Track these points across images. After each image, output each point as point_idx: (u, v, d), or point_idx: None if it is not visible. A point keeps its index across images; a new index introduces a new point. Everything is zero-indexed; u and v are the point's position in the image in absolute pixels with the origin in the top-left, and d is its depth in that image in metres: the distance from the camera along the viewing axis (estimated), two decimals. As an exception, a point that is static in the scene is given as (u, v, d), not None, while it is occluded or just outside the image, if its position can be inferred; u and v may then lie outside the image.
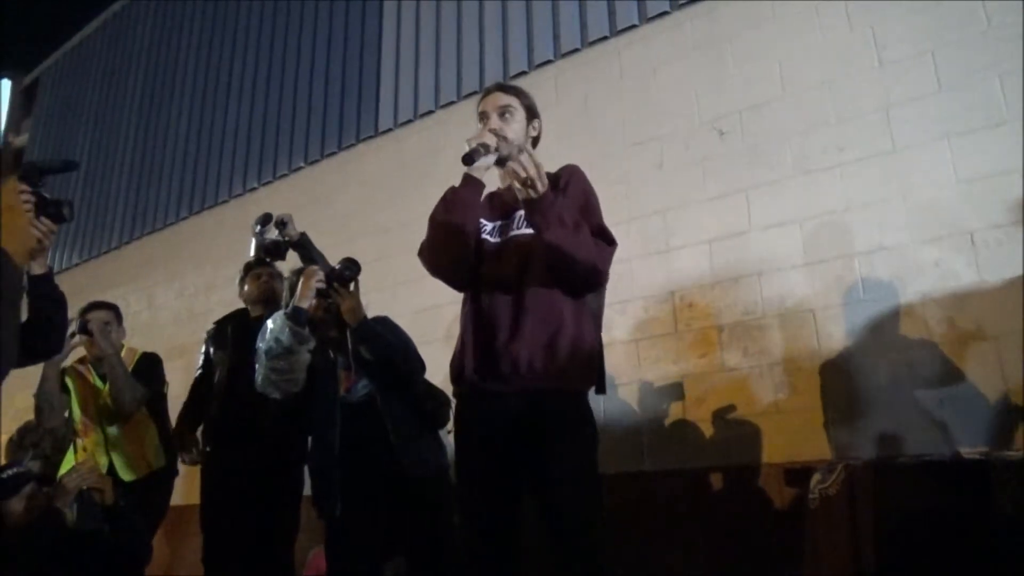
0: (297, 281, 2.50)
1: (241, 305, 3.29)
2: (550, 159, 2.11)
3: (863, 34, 3.10)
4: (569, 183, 1.95)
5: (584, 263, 1.79)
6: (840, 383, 2.86)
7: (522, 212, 1.92)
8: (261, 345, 2.44)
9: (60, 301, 2.07)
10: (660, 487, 3.17)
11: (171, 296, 5.94)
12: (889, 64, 3.01)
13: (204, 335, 3.37)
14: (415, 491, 2.44)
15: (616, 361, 3.29)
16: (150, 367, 3.33)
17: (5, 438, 4.27)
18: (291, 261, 2.85)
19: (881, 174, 2.93)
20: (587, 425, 1.87)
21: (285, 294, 2.62)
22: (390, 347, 2.49)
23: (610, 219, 2.06)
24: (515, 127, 2.00)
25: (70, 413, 3.24)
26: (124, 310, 3.47)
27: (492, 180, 2.10)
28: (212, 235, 5.76)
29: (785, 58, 3.29)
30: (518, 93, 2.07)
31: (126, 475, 3.10)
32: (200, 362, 3.32)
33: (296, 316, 2.41)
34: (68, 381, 3.23)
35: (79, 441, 3.20)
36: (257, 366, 2.47)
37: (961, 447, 2.45)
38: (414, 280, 3.92)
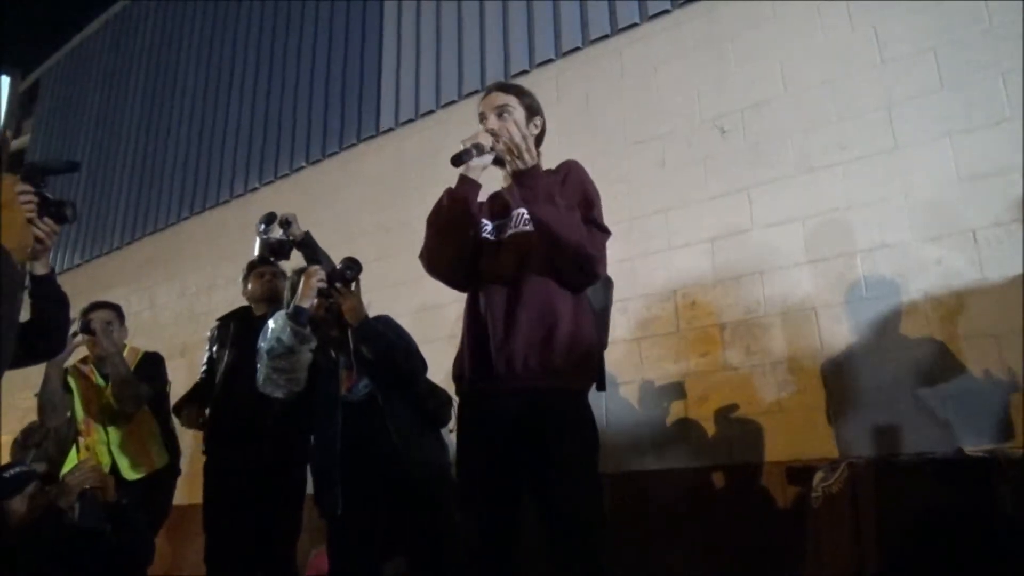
0: (298, 281, 2.50)
1: (244, 303, 3.29)
2: (551, 158, 2.11)
3: (865, 32, 3.09)
4: (568, 177, 1.96)
5: (571, 243, 1.79)
6: (842, 381, 2.86)
7: (522, 210, 1.93)
8: (263, 344, 2.44)
9: (62, 301, 2.07)
10: (662, 486, 3.17)
11: (173, 296, 5.94)
12: (891, 62, 3.01)
13: (207, 334, 3.37)
14: (416, 490, 2.44)
15: (618, 360, 3.29)
16: (152, 366, 3.33)
17: (8, 438, 4.28)
18: (295, 260, 2.85)
19: (883, 172, 2.92)
20: (586, 424, 1.87)
21: (286, 294, 2.63)
22: (391, 346, 2.49)
23: (611, 218, 2.06)
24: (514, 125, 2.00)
25: (73, 413, 3.24)
26: (126, 310, 3.47)
27: (495, 181, 2.10)
28: (214, 235, 5.76)
29: (786, 56, 3.28)
30: (517, 91, 2.07)
31: (129, 474, 3.10)
32: (204, 359, 3.32)
33: (297, 316, 2.41)
34: (71, 381, 3.23)
35: (82, 440, 3.21)
36: (259, 365, 2.47)
37: (964, 445, 2.44)
38: (415, 279, 3.92)
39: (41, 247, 1.87)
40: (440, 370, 2.80)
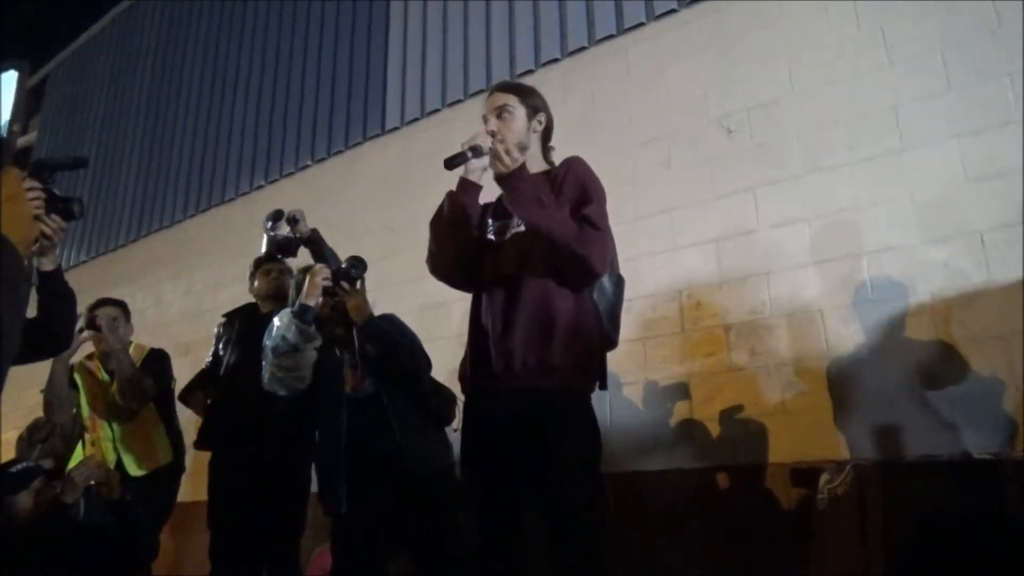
0: (304, 279, 2.51)
1: (250, 300, 3.30)
2: (557, 157, 2.12)
3: (872, 33, 3.08)
4: (567, 174, 1.95)
5: (559, 242, 1.79)
6: (848, 383, 2.85)
7: None
8: (268, 343, 2.45)
9: (69, 297, 2.08)
10: (666, 487, 3.16)
11: (178, 293, 5.96)
12: (898, 63, 3.00)
13: (212, 331, 3.38)
14: (420, 488, 2.44)
15: (622, 360, 3.28)
16: (158, 363, 3.35)
17: (14, 434, 4.29)
18: (302, 257, 2.86)
19: (890, 173, 2.91)
20: (586, 423, 1.86)
21: (292, 292, 2.63)
22: (396, 344, 2.49)
23: (616, 218, 2.06)
24: (514, 125, 2.00)
25: (78, 409, 3.26)
26: (131, 307, 3.49)
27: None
28: (219, 233, 5.77)
29: (794, 57, 3.27)
30: (517, 90, 2.07)
31: (134, 470, 3.11)
32: (210, 352, 3.32)
33: (303, 314, 2.41)
34: (76, 377, 3.25)
35: (87, 436, 3.22)
36: (264, 363, 2.48)
37: (970, 447, 2.43)
38: (420, 277, 3.90)
39: (48, 243, 1.88)
40: (444, 368, 2.81)
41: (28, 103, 8.66)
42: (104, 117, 7.60)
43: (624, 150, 3.67)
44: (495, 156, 1.82)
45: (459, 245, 1.95)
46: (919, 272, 2.77)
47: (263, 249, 2.90)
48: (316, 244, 2.77)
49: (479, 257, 1.98)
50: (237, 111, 6.02)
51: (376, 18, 5.18)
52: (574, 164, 1.99)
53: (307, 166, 5.32)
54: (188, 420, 3.52)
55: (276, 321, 2.48)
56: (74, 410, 3.26)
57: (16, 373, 2.09)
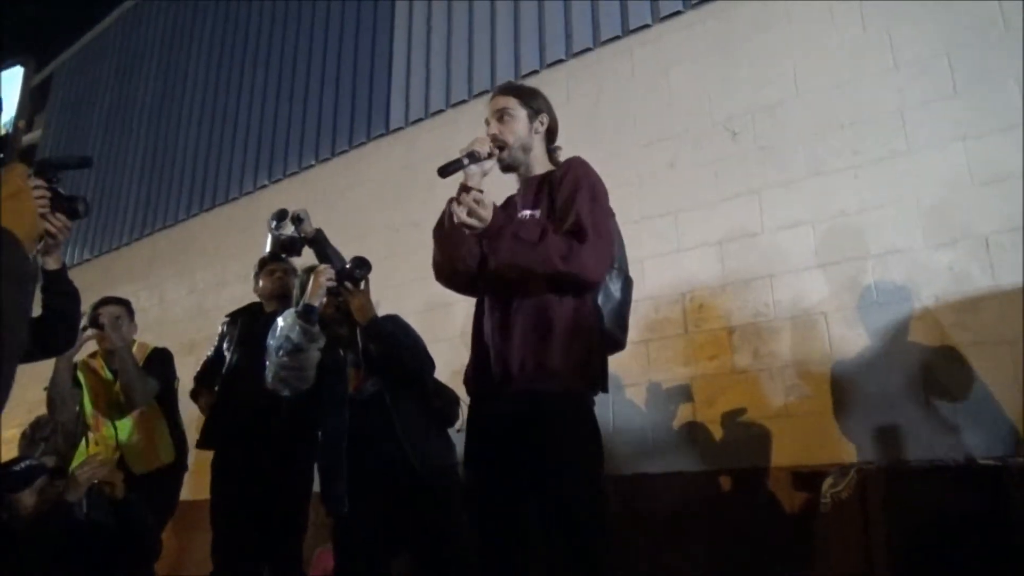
0: (308, 279, 2.51)
1: (255, 300, 3.30)
2: (563, 158, 2.11)
3: (878, 36, 3.08)
4: (564, 177, 1.94)
5: (547, 272, 1.78)
6: (852, 386, 2.84)
7: (526, 213, 1.94)
8: (272, 342, 2.46)
9: (74, 296, 2.09)
10: (668, 489, 3.16)
11: (182, 292, 5.97)
12: (904, 66, 2.99)
13: (217, 330, 3.38)
14: (422, 489, 2.44)
15: (625, 362, 3.28)
16: (161, 362, 3.35)
17: (17, 431, 4.30)
18: (306, 257, 2.86)
19: (895, 176, 2.90)
20: (584, 427, 1.85)
21: (296, 292, 2.63)
22: (400, 345, 2.50)
23: (621, 219, 2.06)
24: (515, 128, 2.00)
25: (82, 407, 3.26)
26: (135, 306, 3.48)
27: (509, 186, 2.10)
28: (223, 232, 5.78)
29: (799, 59, 3.27)
30: (517, 92, 2.07)
31: (136, 469, 3.11)
32: (211, 350, 3.31)
33: (306, 314, 2.42)
34: (80, 375, 3.25)
35: (91, 435, 3.23)
36: (268, 363, 2.48)
37: (975, 452, 2.43)
38: (423, 277, 3.89)
39: (53, 242, 1.88)
40: (447, 369, 2.81)
41: (33, 101, 8.70)
42: (108, 115, 7.61)
43: (628, 151, 3.67)
44: (462, 226, 1.81)
45: (461, 252, 1.95)
46: (924, 276, 2.77)
47: (267, 248, 2.90)
48: (320, 244, 2.77)
49: (483, 261, 1.98)
50: (241, 111, 6.03)
51: (381, 18, 5.18)
52: (572, 166, 1.98)
53: (311, 166, 5.32)
54: (191, 419, 3.53)
55: (280, 321, 2.48)
56: (77, 408, 3.26)
57: (19, 370, 2.09)
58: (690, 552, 3.02)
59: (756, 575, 2.83)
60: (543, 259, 1.76)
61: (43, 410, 3.39)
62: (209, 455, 3.14)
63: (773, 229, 3.16)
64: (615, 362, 2.09)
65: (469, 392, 2.01)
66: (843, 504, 2.15)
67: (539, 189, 1.99)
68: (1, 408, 0.86)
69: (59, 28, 8.26)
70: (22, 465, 2.43)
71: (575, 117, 3.79)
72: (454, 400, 2.66)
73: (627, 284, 2.00)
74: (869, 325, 2.84)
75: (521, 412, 1.81)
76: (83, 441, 3.27)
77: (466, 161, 1.86)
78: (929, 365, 2.69)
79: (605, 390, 1.94)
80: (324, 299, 2.47)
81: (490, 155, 1.91)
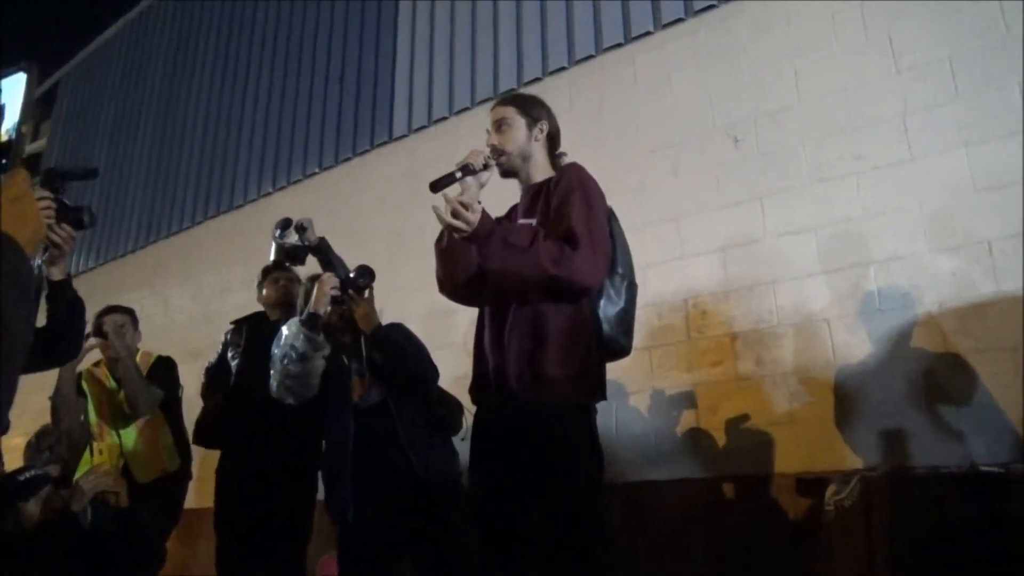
0: (312, 288, 2.52)
1: (259, 308, 3.31)
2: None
3: (880, 41, 3.08)
4: (558, 185, 1.95)
5: (535, 278, 1.78)
6: (855, 393, 2.84)
7: (526, 222, 1.95)
8: (276, 351, 2.46)
9: (78, 305, 2.09)
10: (671, 496, 3.15)
11: (186, 299, 5.98)
12: (906, 71, 2.99)
13: (220, 338, 3.38)
14: (426, 496, 2.44)
15: (628, 369, 3.27)
16: (165, 371, 3.36)
17: (22, 440, 4.31)
18: (310, 266, 2.87)
19: (898, 182, 2.90)
20: (582, 436, 1.85)
21: (300, 301, 2.64)
22: (404, 353, 2.50)
23: (623, 225, 2.06)
24: (513, 136, 2.01)
25: (86, 416, 3.27)
26: (140, 313, 3.50)
27: (505, 195, 2.11)
28: (227, 239, 5.80)
29: (801, 65, 3.27)
30: (515, 101, 2.09)
31: (140, 477, 3.12)
32: (214, 358, 3.32)
33: (311, 323, 2.42)
34: (84, 384, 3.26)
35: (95, 444, 3.23)
36: (272, 372, 2.49)
37: (978, 459, 2.42)
38: (426, 284, 3.89)
39: (58, 253, 1.89)
40: (451, 376, 2.81)
41: (39, 109, 8.75)
42: (113, 124, 7.65)
43: (631, 158, 3.68)
44: (448, 229, 1.83)
45: (462, 265, 1.97)
46: (927, 282, 2.76)
47: (272, 256, 2.90)
48: (324, 253, 2.78)
49: (482, 273, 1.99)
50: (246, 118, 6.05)
51: (384, 26, 5.20)
52: (567, 172, 1.98)
53: (315, 173, 5.34)
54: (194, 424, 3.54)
55: (284, 329, 2.49)
56: (82, 417, 3.27)
57: (24, 379, 2.10)
58: (693, 559, 3.01)
59: (760, 582, 2.82)
60: (533, 263, 1.76)
61: (48, 419, 3.40)
62: (213, 462, 3.15)
63: (776, 235, 3.16)
64: (618, 369, 2.09)
65: (474, 401, 2.02)
66: (847, 511, 2.14)
67: (536, 197, 2.00)
68: (6, 411, 0.85)
69: (64, 37, 8.32)
70: (27, 475, 2.43)
71: (578, 124, 3.80)
72: (458, 408, 2.66)
73: (632, 289, 1.99)
74: (872, 331, 2.84)
75: (520, 423, 1.81)
76: (87, 450, 3.28)
77: (459, 175, 1.89)
78: (932, 371, 2.68)
79: (603, 398, 1.94)
80: (328, 308, 2.48)
81: (485, 167, 1.94)
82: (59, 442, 3.55)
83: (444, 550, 2.46)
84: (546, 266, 1.75)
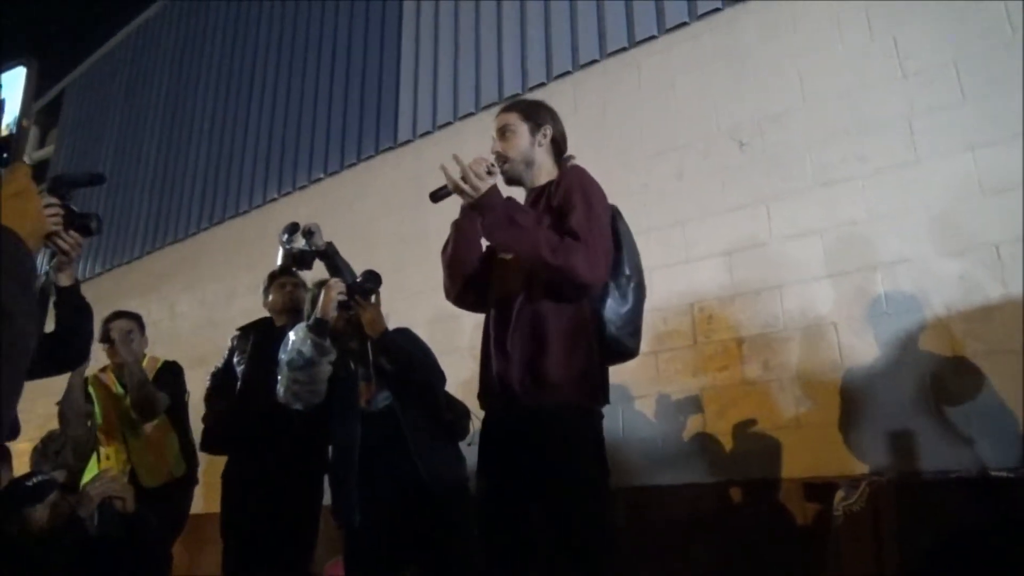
0: (319, 293, 2.53)
1: (265, 313, 3.31)
2: (570, 171, 2.11)
3: (885, 44, 3.08)
4: (559, 185, 1.96)
5: (534, 259, 1.80)
6: (862, 397, 2.82)
7: None
8: (283, 356, 2.47)
9: (86, 311, 2.10)
10: (678, 501, 3.14)
11: (192, 305, 6.00)
12: (911, 74, 2.99)
13: (226, 343, 3.39)
14: (433, 502, 2.44)
15: (634, 373, 3.27)
16: (171, 376, 3.37)
17: (29, 445, 4.32)
18: (317, 271, 2.87)
19: (904, 185, 2.90)
20: (585, 440, 1.85)
21: (307, 306, 2.65)
22: (410, 358, 2.51)
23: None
24: (516, 143, 2.02)
25: (93, 421, 3.28)
26: (146, 319, 3.51)
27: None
28: (233, 245, 5.81)
29: (805, 68, 3.27)
30: (517, 108, 2.10)
31: (147, 483, 3.12)
32: (221, 364, 3.32)
33: (318, 328, 2.43)
34: (90, 389, 3.27)
35: (101, 450, 3.24)
36: (279, 377, 2.50)
37: (988, 463, 2.40)
38: (432, 289, 3.89)
39: (66, 259, 1.90)
40: (456, 381, 2.81)
41: (44, 116, 8.80)
42: (119, 131, 7.69)
43: (636, 162, 3.68)
44: (455, 190, 1.88)
45: (467, 272, 2.02)
46: (934, 285, 2.75)
47: (279, 261, 2.91)
48: (331, 257, 2.78)
49: (491, 277, 2.01)
50: (251, 125, 6.08)
51: (388, 32, 5.22)
52: (567, 174, 1.99)
53: (320, 179, 5.35)
54: (201, 432, 3.54)
55: (291, 335, 2.50)
56: (88, 423, 3.28)
57: (31, 385, 2.11)
58: (700, 564, 3.00)
59: (768, 587, 2.81)
60: (533, 247, 1.79)
61: (55, 424, 3.41)
62: (220, 468, 3.15)
63: (781, 239, 3.15)
64: (624, 373, 2.10)
65: (482, 407, 2.02)
66: (855, 516, 2.13)
67: (538, 199, 2.01)
68: (12, 407, 0.85)
69: (70, 45, 8.36)
70: (34, 480, 2.44)
71: (582, 128, 3.79)
72: (465, 413, 2.66)
73: (639, 290, 1.98)
74: (879, 335, 2.83)
75: (523, 427, 1.82)
76: (94, 456, 3.29)
77: (451, 188, 1.91)
78: (940, 375, 2.67)
79: (607, 401, 1.93)
80: (335, 313, 2.48)
81: (488, 174, 1.95)
82: (65, 447, 3.56)
83: (450, 555, 2.45)
84: (544, 253, 1.77)
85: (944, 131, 2.85)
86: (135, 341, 3.25)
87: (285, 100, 5.84)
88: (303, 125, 5.61)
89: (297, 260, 2.83)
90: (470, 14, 4.71)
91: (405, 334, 2.66)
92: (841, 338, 2.92)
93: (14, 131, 0.98)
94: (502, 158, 2.01)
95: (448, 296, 2.11)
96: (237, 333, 3.33)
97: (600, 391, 1.91)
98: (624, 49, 3.93)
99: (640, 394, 3.36)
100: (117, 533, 2.47)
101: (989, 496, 2.02)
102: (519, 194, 2.12)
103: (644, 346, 3.35)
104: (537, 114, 2.07)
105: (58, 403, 3.16)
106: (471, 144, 4.18)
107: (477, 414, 2.08)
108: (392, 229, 4.65)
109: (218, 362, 3.35)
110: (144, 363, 3.27)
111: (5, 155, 0.97)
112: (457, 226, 2.04)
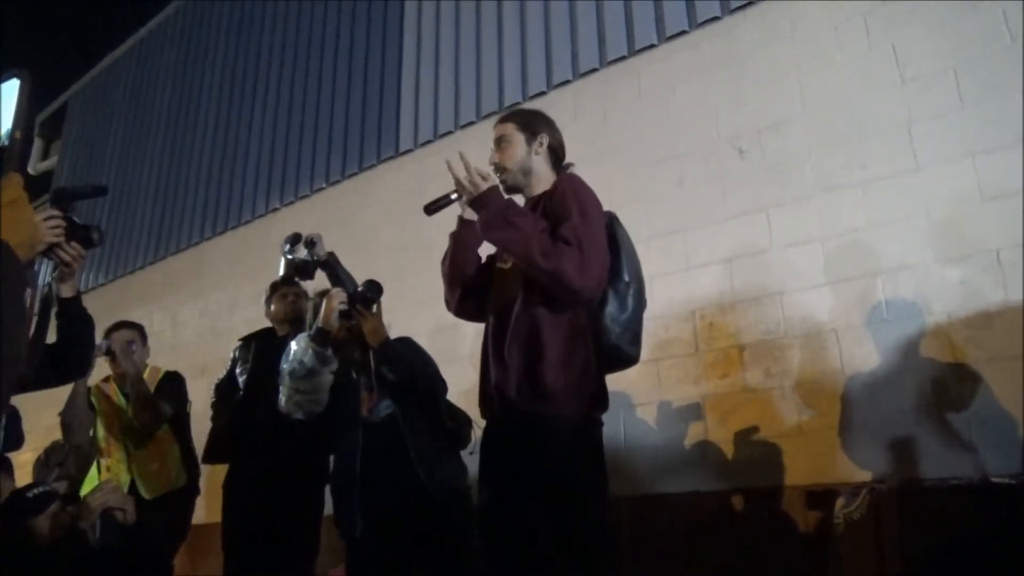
0: (321, 303, 2.53)
1: (267, 323, 3.32)
2: (569, 180, 2.12)
3: (884, 51, 3.08)
4: (555, 192, 1.97)
5: (528, 260, 1.81)
6: (864, 404, 2.82)
7: None
8: (285, 366, 2.47)
9: (88, 322, 2.11)
10: (680, 509, 3.13)
11: (194, 315, 6.01)
12: (910, 81, 2.99)
13: (228, 352, 3.39)
14: (435, 511, 2.44)
15: (636, 381, 3.27)
16: (173, 386, 3.37)
17: (32, 455, 4.33)
18: (319, 281, 2.88)
19: (904, 192, 2.90)
20: (583, 448, 1.84)
21: (309, 316, 2.65)
22: (412, 367, 2.51)
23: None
24: (512, 153, 2.04)
25: (94, 431, 3.28)
26: (148, 329, 3.51)
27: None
28: (235, 255, 5.83)
29: (804, 75, 3.28)
30: (513, 118, 2.11)
31: (148, 493, 3.12)
32: (224, 375, 3.32)
33: (319, 337, 2.43)
34: (92, 400, 3.27)
35: (103, 460, 3.24)
36: (281, 387, 2.50)
37: (990, 470, 2.39)
38: (434, 298, 3.90)
39: (68, 271, 1.91)
40: (457, 390, 2.81)
41: (49, 128, 8.85)
42: (122, 142, 7.72)
43: (636, 170, 3.69)
44: (458, 187, 1.92)
45: (466, 283, 2.03)
46: (935, 292, 2.75)
47: (281, 272, 2.92)
48: (332, 268, 2.79)
49: (490, 286, 2.02)
50: (253, 135, 6.10)
51: (389, 42, 5.25)
52: (562, 181, 2.00)
53: (322, 188, 5.37)
54: (203, 442, 3.54)
55: (293, 345, 2.50)
56: (90, 432, 3.28)
57: (33, 395, 2.12)
58: (703, 571, 2.99)
59: (771, 596, 2.79)
60: (526, 248, 1.80)
61: (58, 435, 3.41)
62: (221, 478, 3.15)
63: (782, 246, 3.15)
64: (626, 381, 2.09)
65: (483, 415, 2.03)
66: (856, 524, 2.12)
67: (536, 208, 2.01)
68: (3, 410, 0.86)
69: (73, 58, 8.42)
70: (36, 491, 2.44)
71: (583, 137, 3.82)
72: (467, 422, 2.65)
73: (639, 296, 1.98)
74: (880, 342, 2.83)
75: (521, 435, 1.82)
76: (95, 466, 3.29)
77: (454, 196, 1.92)
78: (942, 382, 2.67)
79: (605, 409, 1.93)
80: (337, 323, 2.49)
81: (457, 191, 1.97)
82: (67, 458, 3.56)
83: (452, 564, 2.45)
84: (535, 255, 1.79)
85: (944, 137, 2.85)
86: (137, 352, 3.26)
87: (287, 110, 5.87)
88: (304, 135, 5.63)
89: (299, 270, 2.84)
90: (471, 24, 4.74)
91: (407, 343, 2.66)
92: (842, 345, 2.91)
93: (7, 143, 0.99)
94: (499, 168, 2.02)
95: (449, 306, 2.12)
96: (239, 343, 3.33)
97: (598, 399, 1.90)
98: (624, 57, 3.95)
99: (641, 402, 3.36)
100: (118, 544, 2.46)
101: (991, 503, 2.02)
102: (518, 203, 2.13)
103: (645, 354, 3.35)
104: (533, 123, 2.08)
105: (60, 413, 3.17)
106: (472, 153, 4.18)
107: (479, 423, 2.08)
108: (393, 238, 4.65)
109: (221, 374, 3.35)
110: (146, 373, 3.27)
111: None
112: (455, 237, 2.06)
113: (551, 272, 1.78)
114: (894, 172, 2.94)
